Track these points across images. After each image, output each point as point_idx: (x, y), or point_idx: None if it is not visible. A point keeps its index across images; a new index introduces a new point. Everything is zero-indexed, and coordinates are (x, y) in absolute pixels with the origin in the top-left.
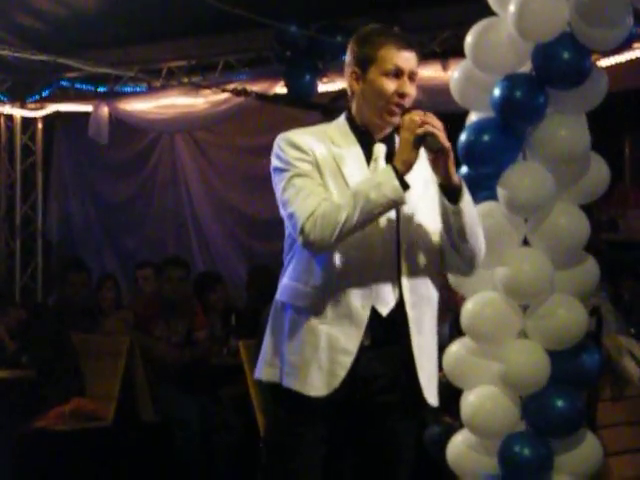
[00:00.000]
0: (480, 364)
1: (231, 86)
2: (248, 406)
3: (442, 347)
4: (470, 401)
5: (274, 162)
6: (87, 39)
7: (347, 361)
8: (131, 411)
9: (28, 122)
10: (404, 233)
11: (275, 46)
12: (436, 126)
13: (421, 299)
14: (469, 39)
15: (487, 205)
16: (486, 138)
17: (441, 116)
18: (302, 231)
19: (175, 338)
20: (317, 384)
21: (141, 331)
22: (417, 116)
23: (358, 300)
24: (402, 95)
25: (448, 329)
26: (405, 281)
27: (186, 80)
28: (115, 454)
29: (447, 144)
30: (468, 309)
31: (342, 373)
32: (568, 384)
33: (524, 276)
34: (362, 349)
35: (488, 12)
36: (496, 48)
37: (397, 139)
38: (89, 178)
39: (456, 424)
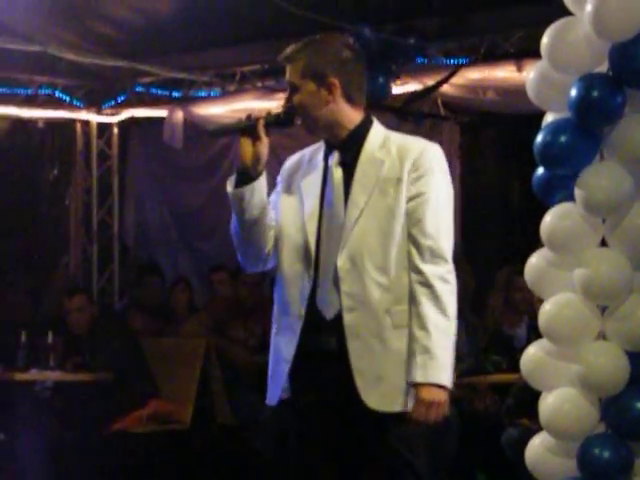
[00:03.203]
0: (558, 366)
1: None
2: None
3: (520, 349)
4: (549, 403)
5: None
6: (161, 44)
7: (285, 369)
8: (208, 413)
9: (104, 127)
10: (348, 240)
11: None
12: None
13: (360, 304)
14: (545, 39)
15: (564, 206)
16: (563, 139)
17: (517, 117)
18: None
19: (252, 341)
20: (271, 393)
21: (218, 334)
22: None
23: (296, 309)
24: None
25: (525, 331)
26: (345, 286)
27: (260, 84)
28: (193, 456)
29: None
30: (546, 311)
31: (281, 381)
32: None
33: (602, 277)
34: (316, 355)
35: (564, 12)
36: (573, 48)
37: (371, 135)
38: (164, 183)
39: (535, 427)
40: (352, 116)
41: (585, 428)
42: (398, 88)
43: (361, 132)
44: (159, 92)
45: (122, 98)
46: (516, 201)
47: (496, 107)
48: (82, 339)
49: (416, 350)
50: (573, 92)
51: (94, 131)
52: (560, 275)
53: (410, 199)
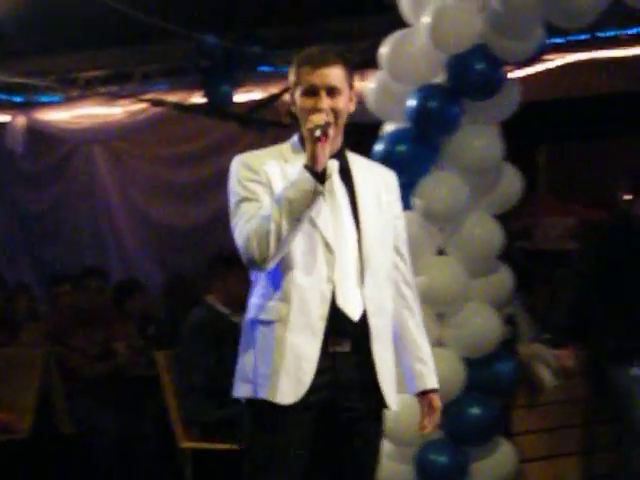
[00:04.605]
0: (398, 371)
1: (148, 96)
2: (167, 416)
3: None
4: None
5: (229, 183)
6: (2, 48)
7: (310, 368)
8: (48, 423)
9: None
10: (364, 246)
11: (193, 56)
12: (313, 120)
13: (380, 309)
14: (384, 50)
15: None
16: (401, 148)
17: (359, 126)
18: (243, 255)
19: (92, 349)
20: (286, 391)
21: (58, 343)
22: (314, 116)
23: (317, 309)
24: (319, 111)
25: None
26: (367, 291)
27: (103, 90)
28: (32, 466)
29: (317, 134)
30: None
31: (307, 380)
32: (483, 392)
33: (439, 285)
34: (333, 355)
35: (405, 23)
36: (410, 59)
37: (348, 153)
38: (6, 188)
39: None
40: None
41: (422, 434)
42: (242, 96)
43: (344, 144)
44: (0, 97)
45: None
46: None
47: None
48: None
49: (423, 359)
50: (411, 102)
51: None
52: None
53: (395, 218)
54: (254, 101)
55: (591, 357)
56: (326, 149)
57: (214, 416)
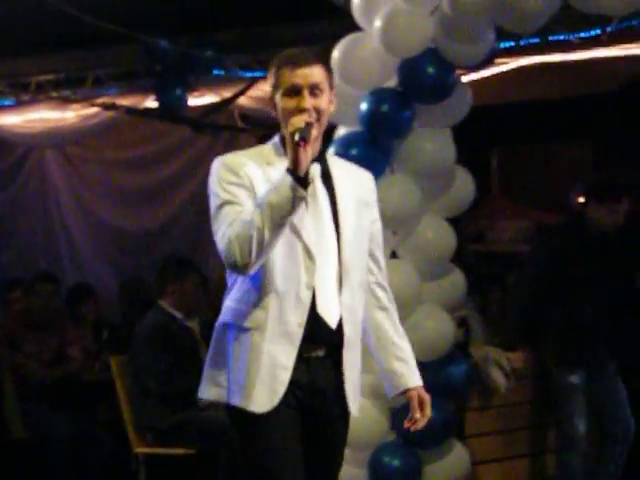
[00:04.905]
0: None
1: (100, 100)
2: (121, 421)
3: None
4: None
5: (209, 184)
6: None
7: (285, 377)
8: (1, 428)
9: None
10: (343, 252)
11: (145, 60)
12: (293, 122)
13: (353, 317)
14: (336, 54)
15: None
16: (354, 152)
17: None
18: (225, 258)
19: (46, 355)
20: (260, 401)
21: (10, 348)
22: (294, 119)
23: (295, 317)
24: (302, 110)
25: None
26: (344, 298)
27: (55, 94)
28: None
29: (296, 138)
30: None
31: (282, 389)
32: (436, 394)
33: (392, 288)
34: (307, 360)
35: (357, 27)
36: (362, 63)
37: (328, 156)
38: None
39: None
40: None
41: (376, 437)
42: (195, 100)
43: (324, 148)
44: None
45: None
46: None
47: None
48: None
49: (403, 358)
50: (363, 106)
51: None
52: None
53: (372, 222)
54: (207, 105)
55: (539, 360)
56: (308, 152)
57: (168, 421)
